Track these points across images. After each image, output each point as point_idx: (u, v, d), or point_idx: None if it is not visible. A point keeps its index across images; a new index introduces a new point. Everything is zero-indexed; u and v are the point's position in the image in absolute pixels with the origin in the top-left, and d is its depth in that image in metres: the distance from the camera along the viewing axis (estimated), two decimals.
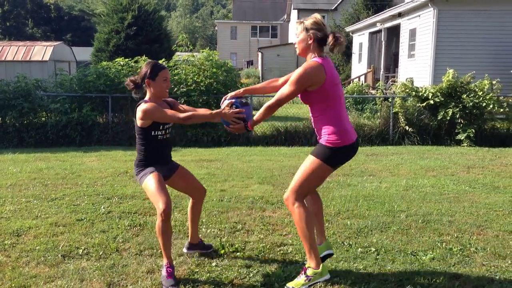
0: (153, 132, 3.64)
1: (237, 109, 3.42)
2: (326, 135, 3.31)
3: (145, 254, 4.01)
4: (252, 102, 11.71)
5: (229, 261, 3.88)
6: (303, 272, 3.35)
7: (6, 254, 4.00)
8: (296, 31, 3.38)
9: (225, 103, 3.51)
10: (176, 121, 3.55)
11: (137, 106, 3.64)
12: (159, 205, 3.42)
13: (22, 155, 8.98)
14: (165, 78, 3.63)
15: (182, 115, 3.49)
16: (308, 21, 3.30)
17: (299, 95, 3.39)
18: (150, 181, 3.55)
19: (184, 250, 4.01)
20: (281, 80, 3.72)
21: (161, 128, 3.65)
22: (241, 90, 3.63)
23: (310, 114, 3.48)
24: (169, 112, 3.52)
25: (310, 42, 3.29)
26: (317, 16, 3.34)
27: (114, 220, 4.88)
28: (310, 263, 3.33)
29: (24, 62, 18.86)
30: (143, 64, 3.65)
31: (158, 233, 3.49)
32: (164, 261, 3.56)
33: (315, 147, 3.42)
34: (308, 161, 3.36)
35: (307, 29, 3.29)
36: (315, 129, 3.47)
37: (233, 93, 3.60)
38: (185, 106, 3.93)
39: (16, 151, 9.49)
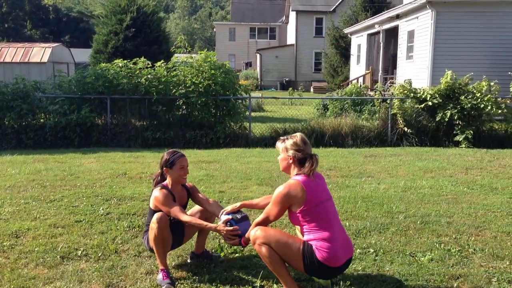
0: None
1: (232, 227, 3.46)
2: (317, 250, 3.15)
3: (144, 255, 4.02)
4: (251, 103, 11.71)
5: (228, 263, 3.89)
6: None
7: (5, 255, 4.00)
8: (278, 149, 3.42)
9: (222, 218, 3.56)
10: (177, 218, 3.64)
11: (154, 188, 3.80)
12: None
13: (21, 156, 8.97)
14: (182, 166, 3.75)
15: (184, 218, 3.59)
16: (288, 141, 3.35)
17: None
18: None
19: (188, 260, 4.01)
20: None
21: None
22: (238, 204, 3.66)
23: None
24: (176, 210, 3.61)
25: (290, 161, 3.33)
26: (297, 136, 3.37)
27: (113, 221, 4.88)
28: None
29: (23, 63, 18.83)
30: (164, 153, 3.83)
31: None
32: (160, 266, 3.63)
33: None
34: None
35: (286, 149, 3.34)
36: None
37: (229, 208, 3.61)
38: (201, 196, 3.96)
39: (15, 152, 9.48)
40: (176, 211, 3.61)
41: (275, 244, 3.19)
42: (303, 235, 3.25)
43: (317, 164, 3.33)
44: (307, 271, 3.22)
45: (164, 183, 3.80)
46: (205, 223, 3.64)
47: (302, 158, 3.30)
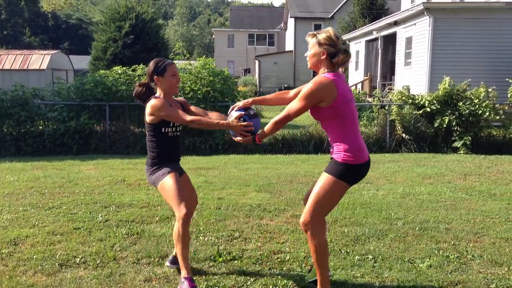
0: (163, 129, 3.56)
1: (246, 123, 3.34)
2: (341, 152, 3.21)
3: (143, 262, 4.01)
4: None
5: (226, 269, 3.88)
6: None
7: (3, 263, 4.00)
8: (308, 44, 3.29)
9: (232, 114, 3.41)
10: (181, 122, 3.47)
11: (147, 102, 3.56)
12: (180, 208, 3.33)
13: (19, 163, 8.97)
14: (174, 73, 3.56)
15: (189, 117, 3.41)
16: (322, 35, 3.20)
17: (309, 110, 3.28)
18: (168, 182, 3.45)
19: (167, 264, 3.85)
20: (292, 92, 3.59)
21: (171, 125, 3.58)
22: (250, 100, 3.51)
23: (323, 128, 3.39)
24: (177, 111, 3.45)
25: (323, 57, 3.19)
26: (330, 30, 3.23)
27: (111, 228, 4.88)
28: None
29: (22, 70, 18.87)
30: (150, 63, 3.63)
31: (177, 239, 3.38)
32: (183, 272, 3.39)
33: (329, 164, 3.32)
34: (322, 179, 3.26)
35: (320, 44, 3.19)
36: (330, 141, 3.37)
37: (241, 104, 3.47)
38: (194, 108, 3.82)
39: (13, 159, 9.48)
40: (180, 113, 3.40)
41: (325, 207, 3.28)
42: (326, 130, 3.34)
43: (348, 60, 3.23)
44: (348, 182, 3.30)
45: (156, 95, 3.58)
46: (215, 120, 3.44)
47: (335, 54, 3.16)
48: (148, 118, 3.53)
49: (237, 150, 10.73)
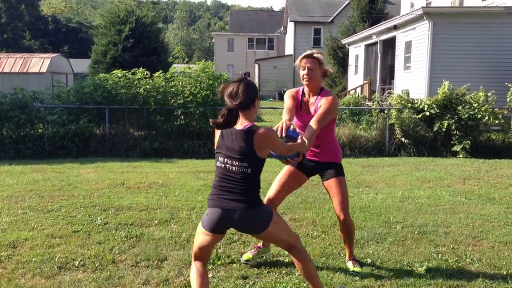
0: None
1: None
2: (337, 153, 3.91)
3: (141, 265, 4.01)
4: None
5: (225, 273, 3.88)
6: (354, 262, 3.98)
7: (2, 265, 4.00)
8: (308, 64, 3.70)
9: (293, 135, 3.27)
10: (283, 153, 3.20)
11: (251, 133, 2.92)
12: (293, 238, 3.10)
13: (19, 166, 8.97)
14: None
15: (288, 146, 3.18)
16: (321, 55, 3.75)
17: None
18: (276, 217, 3.11)
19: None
20: (290, 106, 3.77)
21: None
22: (288, 123, 3.36)
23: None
24: (281, 141, 3.15)
25: (322, 75, 3.80)
26: (321, 52, 3.83)
27: (110, 231, 4.88)
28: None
29: (22, 74, 18.89)
30: (234, 86, 2.96)
31: (310, 273, 3.11)
32: None
33: (334, 168, 3.85)
34: (340, 182, 3.83)
35: (321, 63, 3.75)
36: (320, 150, 3.85)
37: (285, 126, 3.29)
38: None
39: (13, 162, 9.48)
40: (284, 143, 3.15)
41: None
42: (323, 138, 3.77)
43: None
44: None
45: (248, 124, 2.95)
46: (294, 145, 3.21)
47: (326, 72, 3.82)
48: (263, 153, 2.97)
49: None
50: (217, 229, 2.98)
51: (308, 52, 3.76)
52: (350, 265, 3.95)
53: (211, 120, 2.90)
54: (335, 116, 3.76)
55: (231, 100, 2.91)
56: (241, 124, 2.96)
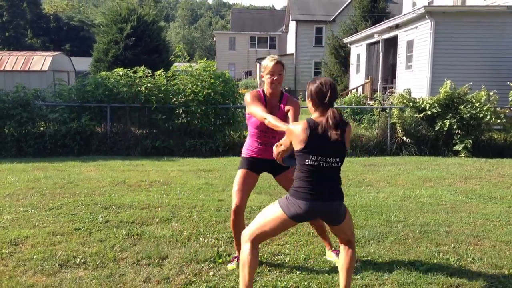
0: None
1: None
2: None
3: (143, 263, 4.01)
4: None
5: (226, 271, 3.88)
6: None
7: (3, 263, 4.00)
8: (277, 70, 3.84)
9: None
10: None
11: (344, 126, 3.12)
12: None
13: (20, 164, 8.98)
14: None
15: None
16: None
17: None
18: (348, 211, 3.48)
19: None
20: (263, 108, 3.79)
21: None
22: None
23: (276, 140, 3.65)
24: None
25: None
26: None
27: (111, 229, 4.88)
28: None
29: (23, 72, 18.92)
30: (328, 84, 3.14)
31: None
32: None
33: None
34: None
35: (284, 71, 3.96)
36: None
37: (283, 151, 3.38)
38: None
39: (14, 160, 9.49)
40: None
41: None
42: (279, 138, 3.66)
43: None
44: None
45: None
46: None
47: None
48: (349, 145, 3.34)
49: (237, 152, 10.72)
50: (301, 219, 3.22)
51: (277, 58, 3.88)
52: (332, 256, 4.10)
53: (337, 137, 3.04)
54: None
55: (329, 99, 3.12)
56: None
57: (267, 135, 3.91)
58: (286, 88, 35.89)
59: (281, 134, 3.62)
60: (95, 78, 11.48)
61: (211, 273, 3.83)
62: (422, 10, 14.79)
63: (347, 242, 3.35)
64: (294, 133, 3.12)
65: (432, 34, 14.47)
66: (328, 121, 3.02)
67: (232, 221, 3.98)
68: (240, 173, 4.02)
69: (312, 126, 3.06)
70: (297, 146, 3.11)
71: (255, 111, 3.71)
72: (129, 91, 10.85)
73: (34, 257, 4.10)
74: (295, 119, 3.72)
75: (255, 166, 4.01)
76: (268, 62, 3.84)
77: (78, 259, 4.07)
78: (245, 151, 4.08)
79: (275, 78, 3.82)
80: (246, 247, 3.21)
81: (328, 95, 3.08)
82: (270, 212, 3.25)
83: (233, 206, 3.96)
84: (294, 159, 3.22)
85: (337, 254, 3.94)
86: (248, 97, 3.87)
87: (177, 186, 7.02)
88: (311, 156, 3.07)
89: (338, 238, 3.40)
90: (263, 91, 3.97)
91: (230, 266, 3.96)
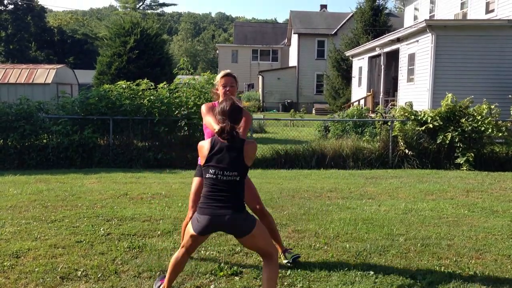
0: None
1: None
2: None
3: (144, 276, 4.02)
4: (253, 125, 11.75)
5: (227, 284, 3.88)
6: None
7: (5, 275, 4.01)
8: (229, 83, 4.17)
9: None
10: None
11: (242, 144, 3.33)
12: (273, 249, 3.44)
13: (23, 177, 9.00)
14: None
15: None
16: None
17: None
18: (260, 224, 3.46)
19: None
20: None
21: None
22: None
23: None
24: None
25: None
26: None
27: (113, 242, 4.89)
28: None
29: (27, 84, 19.02)
30: (235, 107, 3.39)
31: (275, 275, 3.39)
32: None
33: None
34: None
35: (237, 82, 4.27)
36: None
37: None
38: None
39: (17, 172, 9.52)
40: None
41: None
42: None
43: None
44: None
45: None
46: None
47: None
48: (250, 162, 3.37)
49: None
50: (205, 232, 3.34)
51: (228, 71, 4.28)
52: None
53: (218, 134, 3.28)
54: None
55: (229, 119, 3.33)
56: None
57: None
58: (289, 101, 36.04)
59: None
60: (98, 90, 11.54)
61: (212, 286, 3.83)
62: (423, 24, 14.88)
63: (265, 255, 3.39)
64: (199, 149, 3.44)
65: (433, 47, 14.54)
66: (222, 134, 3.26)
67: (183, 226, 4.29)
68: (195, 181, 4.23)
69: (213, 142, 3.34)
70: (202, 161, 3.39)
71: (209, 122, 3.92)
72: (132, 103, 10.90)
73: (36, 269, 4.11)
74: (245, 130, 3.84)
75: None
76: (221, 76, 4.22)
77: (80, 272, 4.07)
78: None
79: (227, 89, 4.11)
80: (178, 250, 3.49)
81: (228, 114, 3.34)
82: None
83: (188, 215, 4.15)
84: None
85: (284, 252, 4.35)
86: (203, 108, 4.16)
87: (179, 198, 7.02)
88: (210, 170, 3.29)
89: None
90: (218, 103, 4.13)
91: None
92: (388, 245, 4.83)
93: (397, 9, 42.32)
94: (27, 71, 19.68)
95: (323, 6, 45.96)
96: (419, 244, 4.87)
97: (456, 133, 10.44)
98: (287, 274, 4.08)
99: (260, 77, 38.90)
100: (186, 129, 11.07)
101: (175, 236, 5.13)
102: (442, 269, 4.21)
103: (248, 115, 3.99)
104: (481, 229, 5.47)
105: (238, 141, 3.30)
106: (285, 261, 4.31)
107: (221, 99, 4.11)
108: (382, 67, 19.90)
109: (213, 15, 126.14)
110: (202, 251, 4.61)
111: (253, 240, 3.32)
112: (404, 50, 17.45)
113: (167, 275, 3.51)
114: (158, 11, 75.00)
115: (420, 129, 10.81)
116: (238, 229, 3.30)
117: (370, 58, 22.00)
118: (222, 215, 3.22)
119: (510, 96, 11.71)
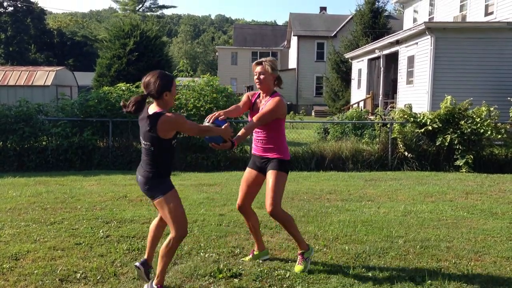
0: (172, 142, 3.60)
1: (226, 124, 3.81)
2: (284, 152, 4.18)
3: None
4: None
5: (226, 286, 3.88)
6: (301, 259, 4.21)
7: (4, 278, 4.01)
8: (258, 70, 4.16)
9: (215, 122, 3.79)
10: (196, 132, 3.78)
11: (156, 118, 3.46)
12: (180, 228, 3.56)
13: (22, 179, 9.00)
14: (175, 86, 3.68)
15: (201, 126, 3.76)
16: (268, 63, 4.15)
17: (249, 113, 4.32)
18: (173, 198, 3.59)
19: (136, 263, 3.85)
20: (241, 104, 4.34)
21: (176, 137, 3.65)
22: (221, 112, 3.94)
23: (259, 135, 4.22)
24: (192, 123, 3.69)
25: (274, 81, 4.23)
26: (272, 59, 4.25)
27: (112, 244, 4.89)
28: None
29: (27, 86, 19.03)
30: (150, 77, 3.56)
31: (168, 254, 3.59)
32: (158, 281, 3.65)
33: (277, 162, 4.14)
34: (276, 176, 4.11)
35: (273, 69, 4.17)
36: (266, 146, 4.19)
37: (216, 115, 3.86)
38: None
39: (16, 175, 9.52)
40: (194, 124, 3.73)
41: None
42: (266, 134, 4.17)
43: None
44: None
45: (158, 110, 3.51)
46: (211, 126, 3.76)
47: (279, 78, 4.27)
48: (164, 134, 3.47)
49: (239, 167, 10.74)
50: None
51: (260, 59, 4.26)
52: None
53: (123, 107, 3.61)
54: (280, 116, 4.13)
55: (144, 89, 3.56)
56: (152, 110, 3.52)
57: (256, 131, 4.27)
58: (289, 102, 36.04)
59: (271, 134, 4.18)
60: (98, 93, 11.55)
61: None
62: (422, 26, 14.91)
63: (171, 232, 3.58)
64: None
65: (433, 50, 14.57)
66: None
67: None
68: (244, 176, 4.41)
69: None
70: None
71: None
72: None
73: (35, 272, 4.11)
74: (259, 114, 4.07)
75: (253, 162, 4.37)
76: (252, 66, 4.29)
77: (79, 274, 4.07)
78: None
79: (256, 77, 4.18)
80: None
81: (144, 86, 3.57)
82: None
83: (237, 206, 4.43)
84: (215, 137, 3.77)
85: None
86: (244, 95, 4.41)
87: None
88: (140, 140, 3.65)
89: None
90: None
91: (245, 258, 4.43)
92: (387, 247, 4.83)
93: (397, 12, 42.35)
94: (27, 73, 19.69)
95: (323, 8, 46.00)
96: (418, 246, 4.88)
97: (456, 135, 10.45)
98: (286, 276, 4.08)
99: None
100: None
101: None
102: (441, 271, 4.21)
103: (272, 103, 4.09)
104: (480, 231, 5.47)
105: (154, 113, 3.49)
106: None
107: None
108: (382, 69, 19.93)
109: (212, 17, 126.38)
110: (201, 253, 4.61)
111: (159, 208, 3.60)
112: (404, 52, 17.47)
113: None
114: (158, 13, 75.05)
115: (420, 131, 10.82)
116: (145, 191, 3.65)
117: (370, 60, 22.03)
118: (138, 176, 3.71)
119: (509, 98, 11.72)
